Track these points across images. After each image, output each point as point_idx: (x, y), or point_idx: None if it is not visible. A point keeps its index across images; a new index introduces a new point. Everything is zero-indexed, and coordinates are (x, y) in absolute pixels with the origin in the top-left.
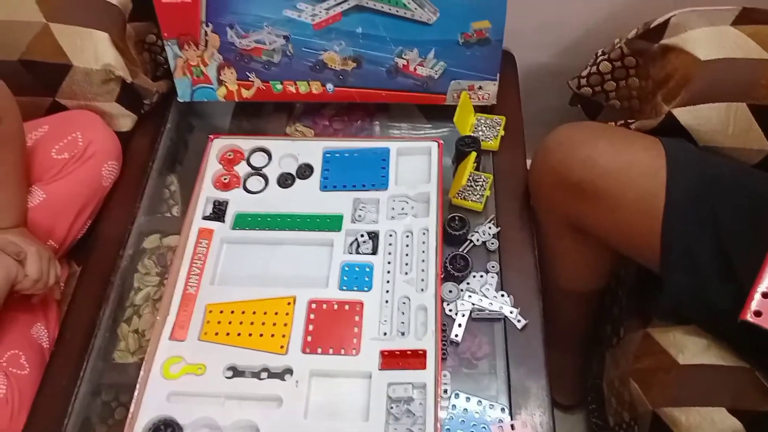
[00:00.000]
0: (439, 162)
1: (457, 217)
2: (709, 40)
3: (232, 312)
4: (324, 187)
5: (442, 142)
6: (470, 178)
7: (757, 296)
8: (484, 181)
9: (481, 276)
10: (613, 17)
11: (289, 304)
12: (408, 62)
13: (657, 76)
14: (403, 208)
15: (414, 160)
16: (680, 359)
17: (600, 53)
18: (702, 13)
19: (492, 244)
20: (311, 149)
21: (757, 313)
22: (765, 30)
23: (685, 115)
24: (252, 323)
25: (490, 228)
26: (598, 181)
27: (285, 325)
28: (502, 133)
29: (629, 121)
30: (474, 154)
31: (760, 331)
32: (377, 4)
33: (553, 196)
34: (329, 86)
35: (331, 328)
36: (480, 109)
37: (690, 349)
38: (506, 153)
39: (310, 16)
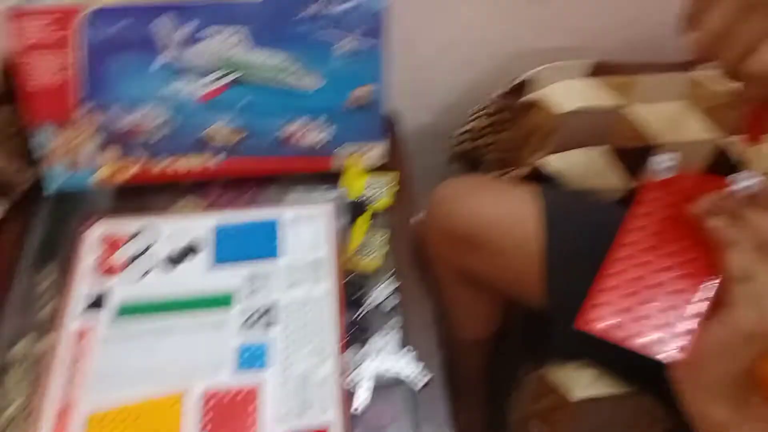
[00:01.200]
0: (332, 226)
1: (354, 280)
2: (567, 93)
3: (117, 420)
4: (214, 264)
5: (334, 205)
6: (365, 238)
7: (592, 306)
8: (379, 239)
9: (384, 336)
10: (491, 76)
11: (177, 402)
12: (295, 130)
13: (525, 128)
14: (298, 278)
15: (307, 226)
16: (572, 395)
17: (474, 110)
18: (560, 68)
19: (392, 301)
20: (199, 224)
21: (593, 320)
22: (617, 79)
23: (552, 162)
24: None
25: (389, 286)
26: (481, 231)
27: (174, 428)
28: (394, 191)
29: (506, 171)
30: (366, 215)
31: (646, 358)
32: (261, 75)
33: (442, 248)
34: (217, 160)
35: (227, 420)
36: (370, 170)
37: (581, 383)
38: (399, 210)
39: (194, 90)
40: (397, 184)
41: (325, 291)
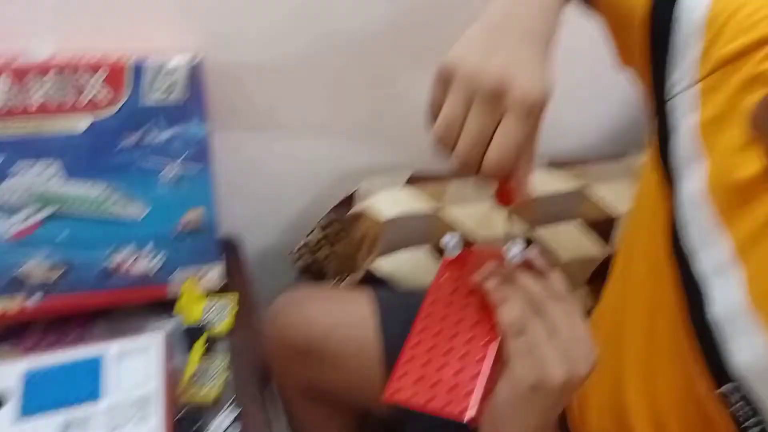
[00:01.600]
0: (163, 358)
1: (189, 412)
2: (388, 202)
3: None
4: (21, 416)
5: (165, 335)
6: (202, 365)
7: (397, 378)
8: (217, 366)
9: None
10: (328, 194)
11: None
12: (122, 261)
13: (357, 237)
14: (121, 419)
15: (135, 360)
16: None
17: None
18: (381, 181)
19: (232, 430)
20: (7, 373)
21: (397, 390)
22: (431, 187)
23: (381, 266)
24: None
25: (228, 414)
26: (318, 341)
27: None
28: (234, 312)
29: (339, 278)
30: (201, 342)
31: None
32: (81, 207)
33: (283, 364)
34: (33, 300)
35: None
36: (211, 294)
37: None
38: (240, 333)
39: (5, 229)
40: (236, 307)
41: (153, 429)
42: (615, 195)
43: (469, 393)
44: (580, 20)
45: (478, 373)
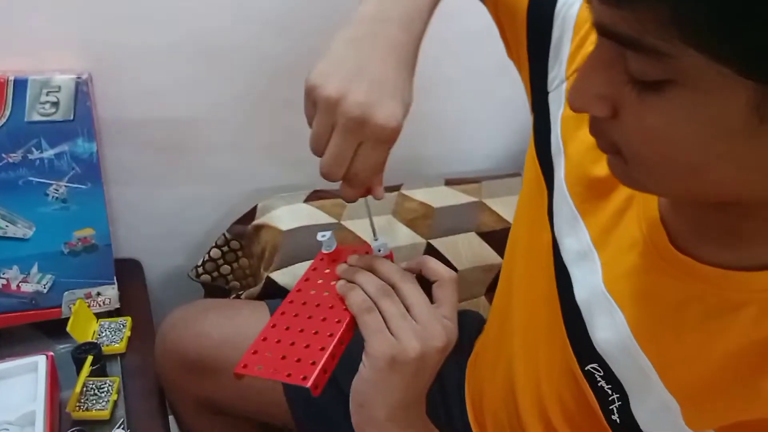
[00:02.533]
0: (48, 377)
1: (79, 430)
2: (288, 215)
3: None
4: None
5: (52, 354)
6: (92, 385)
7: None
8: (109, 386)
9: None
10: (233, 212)
11: None
12: (9, 281)
13: (257, 250)
14: None
15: (17, 381)
16: None
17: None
18: (282, 197)
19: None
20: None
21: (245, 366)
22: (329, 202)
23: (280, 276)
24: None
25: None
26: (212, 353)
27: None
28: (128, 334)
29: (240, 293)
30: (89, 360)
31: None
32: None
33: (177, 380)
34: None
35: None
36: (105, 314)
37: None
38: (134, 353)
39: None
40: (130, 328)
41: None
42: (510, 208)
43: (315, 363)
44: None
45: (325, 346)
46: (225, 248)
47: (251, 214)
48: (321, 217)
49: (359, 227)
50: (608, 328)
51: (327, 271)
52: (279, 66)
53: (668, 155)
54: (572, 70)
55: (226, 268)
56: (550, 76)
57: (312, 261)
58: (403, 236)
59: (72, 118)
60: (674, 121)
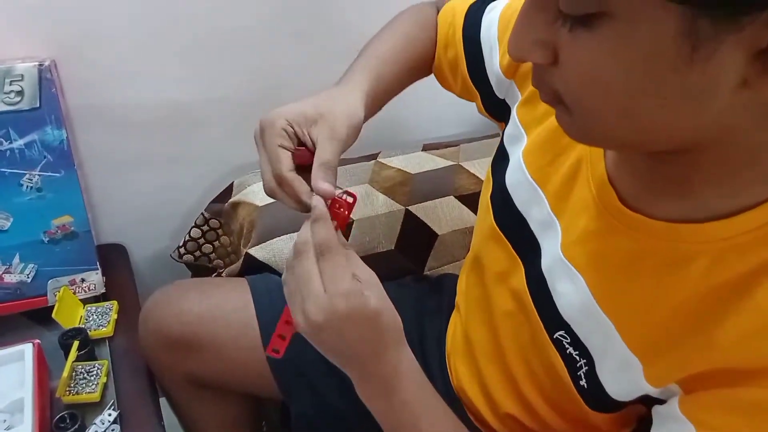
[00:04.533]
0: (35, 364)
1: (66, 416)
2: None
3: None
4: None
5: (38, 342)
6: (81, 369)
7: (275, 338)
8: (98, 369)
9: None
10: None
11: None
12: None
13: (236, 227)
14: None
15: (5, 370)
16: None
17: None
18: (257, 173)
19: (113, 430)
20: None
21: (275, 351)
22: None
23: (259, 252)
24: None
25: (109, 415)
26: (195, 329)
27: None
28: (115, 317)
29: (220, 271)
30: (75, 345)
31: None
32: None
33: (162, 358)
34: None
35: None
36: (92, 299)
37: None
38: (122, 336)
39: None
40: (116, 312)
41: None
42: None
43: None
44: None
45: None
46: (205, 227)
47: (228, 191)
48: None
49: None
50: (571, 293)
51: None
52: (244, 37)
53: (604, 97)
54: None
55: (207, 247)
56: (494, 84)
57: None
58: (381, 204)
59: (38, 105)
60: (606, 56)
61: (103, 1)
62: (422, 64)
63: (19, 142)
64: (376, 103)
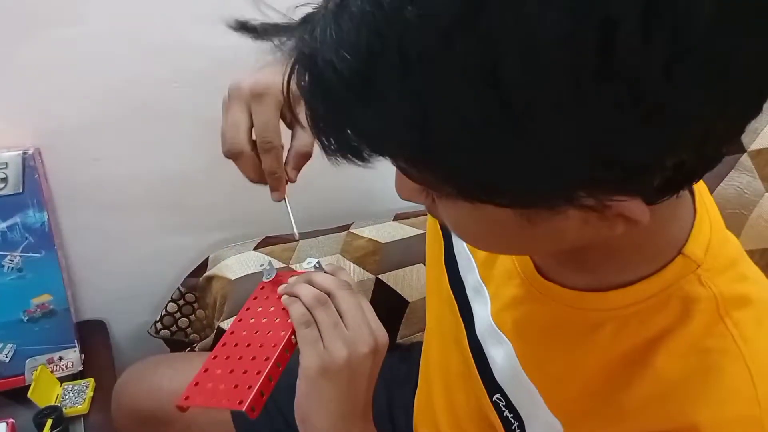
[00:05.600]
0: None
1: None
2: (237, 264)
3: None
4: None
5: (12, 421)
6: None
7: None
8: None
9: None
10: (189, 266)
11: None
12: None
13: (210, 301)
14: None
15: None
16: None
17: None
18: (232, 246)
19: None
20: None
21: (186, 398)
22: (278, 248)
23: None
24: None
25: None
26: (164, 406)
27: None
28: (91, 394)
29: (194, 346)
30: (48, 423)
31: None
32: None
33: None
34: None
35: None
36: (70, 377)
37: None
38: (97, 413)
39: None
40: (92, 389)
41: None
42: None
43: (251, 387)
44: None
45: (261, 370)
46: (180, 302)
47: (203, 265)
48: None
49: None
50: (501, 358)
51: (266, 298)
52: (217, 125)
53: (477, 240)
54: None
55: (184, 321)
56: None
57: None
58: (352, 274)
59: (21, 191)
60: (464, 218)
61: (83, 92)
62: None
63: (2, 225)
64: None
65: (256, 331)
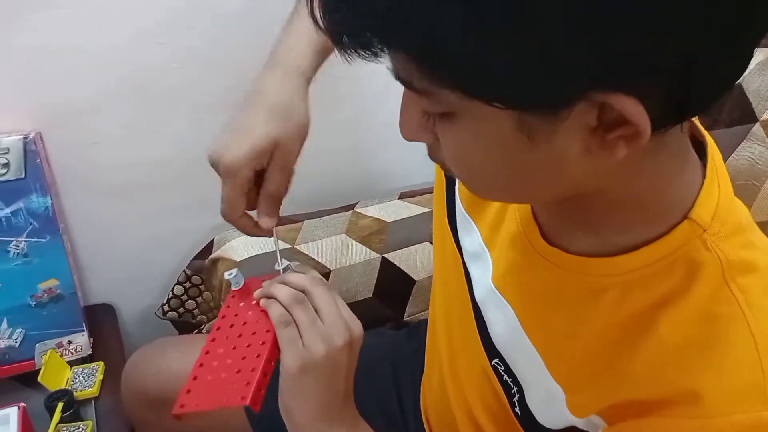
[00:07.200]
0: (20, 428)
1: None
2: (242, 246)
3: None
4: None
5: (24, 405)
6: (66, 430)
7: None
8: (82, 429)
9: None
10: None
11: None
12: None
13: (216, 283)
14: None
15: None
16: None
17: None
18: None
19: None
20: None
21: (182, 405)
22: (283, 229)
23: None
24: None
25: None
26: (172, 388)
27: None
28: (101, 378)
29: (200, 327)
30: (59, 407)
31: None
32: None
33: (145, 416)
34: None
35: None
36: (79, 361)
37: None
38: (108, 396)
39: None
40: (102, 373)
41: None
42: None
43: (249, 383)
44: None
45: (255, 367)
46: (187, 284)
47: (209, 247)
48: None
49: (313, 250)
50: (501, 323)
51: (241, 305)
52: (219, 103)
53: (474, 173)
54: None
55: (191, 303)
56: None
57: (225, 300)
58: (358, 253)
59: (23, 176)
60: (466, 143)
61: (83, 74)
62: None
63: (6, 211)
64: (315, 72)
65: (240, 335)
